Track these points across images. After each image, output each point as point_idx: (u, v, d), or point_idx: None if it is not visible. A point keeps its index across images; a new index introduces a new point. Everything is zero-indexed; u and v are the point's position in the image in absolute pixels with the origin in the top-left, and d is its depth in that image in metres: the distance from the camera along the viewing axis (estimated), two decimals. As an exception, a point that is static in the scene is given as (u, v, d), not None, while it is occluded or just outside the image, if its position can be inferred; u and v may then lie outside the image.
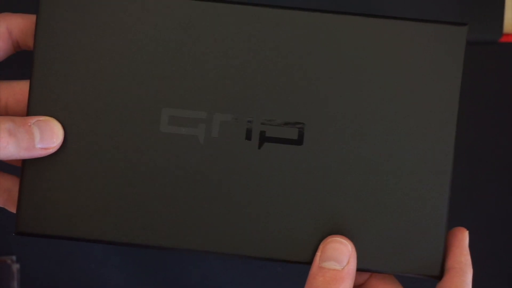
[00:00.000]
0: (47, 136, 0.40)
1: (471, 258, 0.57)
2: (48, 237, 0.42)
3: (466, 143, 0.57)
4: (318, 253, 0.41)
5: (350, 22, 0.41)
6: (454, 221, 0.57)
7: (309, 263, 0.41)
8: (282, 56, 0.41)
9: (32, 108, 0.41)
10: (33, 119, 0.40)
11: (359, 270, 0.41)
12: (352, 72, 0.41)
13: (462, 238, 0.42)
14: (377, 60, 0.41)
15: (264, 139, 0.41)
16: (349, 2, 0.56)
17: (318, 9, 0.42)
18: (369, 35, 0.41)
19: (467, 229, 0.57)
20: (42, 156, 0.41)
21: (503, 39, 0.57)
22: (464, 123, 0.57)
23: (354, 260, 0.40)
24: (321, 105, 0.41)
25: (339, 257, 0.40)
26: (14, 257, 0.55)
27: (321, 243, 0.41)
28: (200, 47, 0.42)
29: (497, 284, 0.58)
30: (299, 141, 0.41)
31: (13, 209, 0.43)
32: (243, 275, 0.57)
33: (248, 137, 0.41)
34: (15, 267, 0.55)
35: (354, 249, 0.41)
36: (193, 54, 0.42)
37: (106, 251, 0.56)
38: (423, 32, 0.41)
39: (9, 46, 0.43)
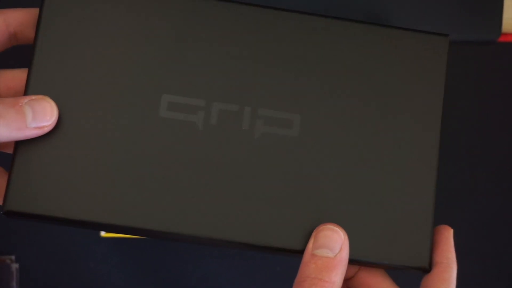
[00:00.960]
0: (40, 115, 0.40)
1: (473, 258, 0.57)
2: (38, 218, 0.41)
3: (466, 143, 0.58)
4: (311, 241, 0.41)
5: (339, 26, 0.43)
6: (454, 221, 0.57)
7: (301, 251, 0.41)
8: (281, 50, 0.43)
9: (29, 89, 0.41)
10: (26, 99, 0.40)
11: (351, 261, 0.41)
12: (343, 72, 0.43)
13: (448, 236, 0.43)
14: (367, 63, 0.43)
15: (261, 128, 0.42)
16: (354, 6, 0.56)
17: (311, 12, 0.44)
18: (360, 40, 0.43)
19: (468, 229, 0.57)
20: (37, 135, 0.40)
21: (502, 39, 0.57)
22: (464, 123, 0.58)
23: (347, 248, 0.41)
24: (316, 100, 0.43)
25: (331, 244, 0.40)
26: (13, 257, 0.55)
27: (314, 231, 0.41)
28: (202, 36, 0.42)
29: (497, 284, 0.58)
30: (294, 132, 0.42)
31: None
32: (243, 275, 0.57)
33: (246, 126, 0.42)
34: (14, 266, 0.55)
35: (346, 237, 0.41)
36: (195, 43, 0.42)
37: (105, 251, 0.56)
38: (407, 40, 0.43)
39: (6, 39, 0.43)
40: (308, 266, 0.40)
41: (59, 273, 0.56)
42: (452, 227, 0.57)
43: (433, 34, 0.44)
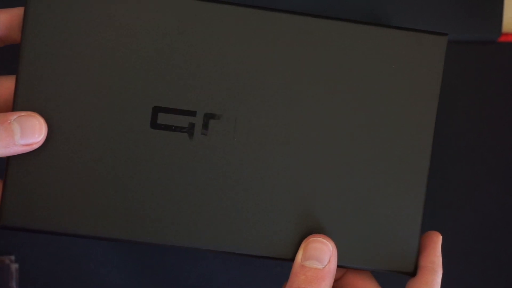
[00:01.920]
0: (28, 132, 0.40)
1: (472, 258, 0.57)
2: (33, 232, 0.41)
3: (465, 142, 0.57)
4: (300, 252, 0.42)
5: (334, 27, 0.43)
6: (454, 221, 0.57)
7: (289, 259, 0.42)
8: (272, 59, 0.42)
9: (18, 104, 0.41)
10: (15, 115, 0.40)
11: (338, 266, 0.42)
12: (339, 76, 0.43)
13: (437, 241, 0.44)
14: (364, 65, 0.43)
15: (251, 139, 0.42)
16: (353, 5, 0.56)
17: (303, 12, 0.43)
18: (358, 41, 0.43)
19: (468, 229, 0.57)
20: (26, 151, 0.40)
21: (502, 39, 0.57)
22: (463, 123, 0.58)
23: (335, 259, 0.42)
24: (307, 110, 0.43)
25: (320, 256, 0.41)
26: (12, 257, 0.55)
27: (303, 242, 0.42)
28: (191, 46, 0.42)
29: (497, 284, 0.58)
30: (285, 142, 0.43)
31: None
32: (243, 275, 0.57)
33: (236, 136, 0.42)
34: (14, 266, 0.55)
35: (335, 249, 0.42)
36: (184, 53, 0.42)
37: (105, 251, 0.56)
38: (405, 40, 0.43)
39: None
40: (298, 276, 0.41)
41: (59, 274, 0.56)
42: (452, 227, 0.57)
43: (431, 34, 0.43)
